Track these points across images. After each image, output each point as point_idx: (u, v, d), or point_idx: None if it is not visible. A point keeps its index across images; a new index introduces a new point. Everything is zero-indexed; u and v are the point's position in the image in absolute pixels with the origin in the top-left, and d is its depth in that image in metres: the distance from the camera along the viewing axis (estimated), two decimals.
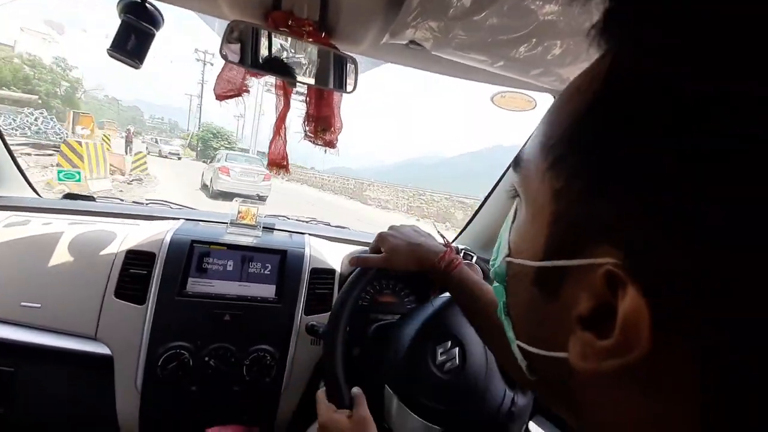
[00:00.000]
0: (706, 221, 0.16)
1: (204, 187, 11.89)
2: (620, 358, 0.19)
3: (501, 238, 0.30)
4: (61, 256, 0.89)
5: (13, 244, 0.89)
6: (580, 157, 0.22)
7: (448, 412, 0.68)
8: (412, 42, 0.70)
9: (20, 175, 1.13)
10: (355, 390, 0.62)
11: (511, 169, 0.29)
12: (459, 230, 1.38)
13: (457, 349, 0.72)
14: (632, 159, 0.19)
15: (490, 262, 0.32)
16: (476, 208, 1.29)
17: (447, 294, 0.75)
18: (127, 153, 13.07)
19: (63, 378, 0.86)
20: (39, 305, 0.84)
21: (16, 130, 14.30)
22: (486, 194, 1.24)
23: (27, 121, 15.20)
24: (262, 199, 10.65)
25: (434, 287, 0.69)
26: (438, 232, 0.73)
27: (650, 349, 0.18)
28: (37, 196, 1.16)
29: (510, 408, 0.70)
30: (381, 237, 0.69)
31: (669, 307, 0.18)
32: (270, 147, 0.89)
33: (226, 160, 11.15)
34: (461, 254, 0.86)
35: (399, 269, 0.68)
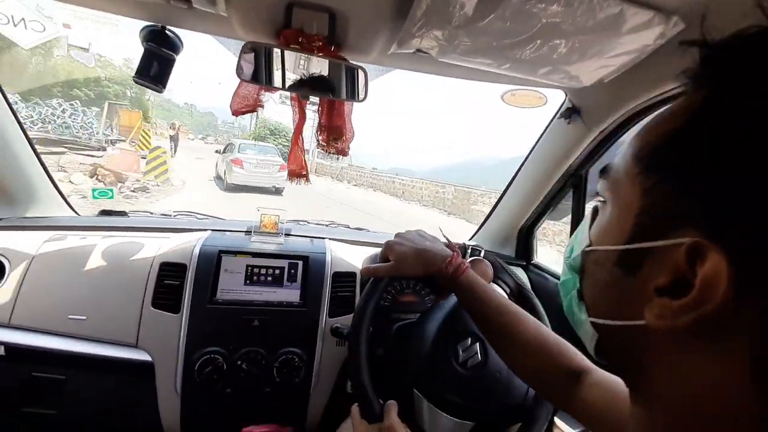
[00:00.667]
0: None
1: (218, 178, 11.03)
2: (695, 312, 0.23)
3: (577, 237, 0.35)
4: (101, 270, 0.96)
5: (58, 262, 0.96)
6: (669, 165, 0.27)
7: (476, 407, 0.70)
8: (418, 50, 0.72)
9: (58, 194, 1.20)
10: (389, 402, 0.64)
11: (598, 176, 0.35)
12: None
13: (477, 345, 0.74)
14: (715, 173, 0.24)
15: (564, 257, 0.37)
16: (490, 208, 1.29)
17: None
18: (172, 155, 11.04)
19: (109, 384, 0.93)
20: (84, 317, 0.90)
21: (36, 123, 12.62)
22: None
23: (52, 113, 13.39)
24: (278, 190, 10.22)
25: (442, 291, 0.70)
26: (444, 235, 0.75)
27: (723, 301, 0.22)
28: (74, 214, 1.23)
29: (536, 394, 0.71)
30: (388, 245, 0.70)
31: (745, 266, 0.22)
32: (289, 158, 0.92)
33: (239, 151, 10.38)
34: (469, 251, 0.87)
35: (408, 276, 0.70)
